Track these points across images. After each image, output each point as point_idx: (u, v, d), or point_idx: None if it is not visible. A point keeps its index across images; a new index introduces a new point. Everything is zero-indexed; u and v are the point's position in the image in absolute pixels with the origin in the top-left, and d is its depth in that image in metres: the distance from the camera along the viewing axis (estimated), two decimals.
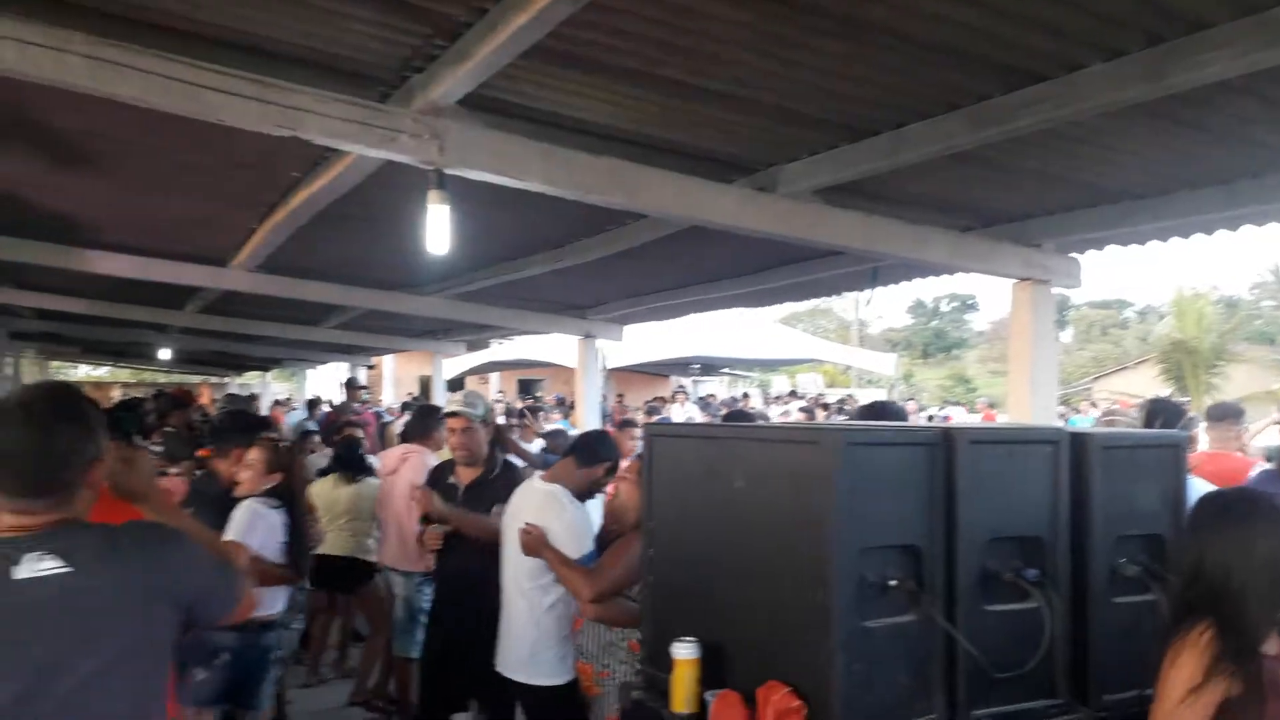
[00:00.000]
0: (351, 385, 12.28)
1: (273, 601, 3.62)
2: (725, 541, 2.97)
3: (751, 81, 3.12)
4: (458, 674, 3.89)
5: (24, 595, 1.64)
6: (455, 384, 19.51)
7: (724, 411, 10.50)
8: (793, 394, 22.25)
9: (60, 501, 1.73)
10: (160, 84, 2.76)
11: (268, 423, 4.81)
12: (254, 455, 3.67)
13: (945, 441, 2.05)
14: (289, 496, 3.69)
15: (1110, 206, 4.35)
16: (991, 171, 3.94)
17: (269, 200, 4.90)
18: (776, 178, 4.01)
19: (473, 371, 24.61)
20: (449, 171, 3.32)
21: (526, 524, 3.41)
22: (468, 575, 3.84)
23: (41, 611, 1.65)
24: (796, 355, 21.72)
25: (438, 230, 3.46)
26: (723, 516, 2.98)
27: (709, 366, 23.02)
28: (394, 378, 23.33)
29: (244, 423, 4.28)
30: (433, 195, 3.35)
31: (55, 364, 21.78)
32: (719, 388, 25.81)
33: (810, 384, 28.12)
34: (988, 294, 56.04)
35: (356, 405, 11.13)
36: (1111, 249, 4.95)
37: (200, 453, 4.56)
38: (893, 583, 1.97)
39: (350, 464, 5.60)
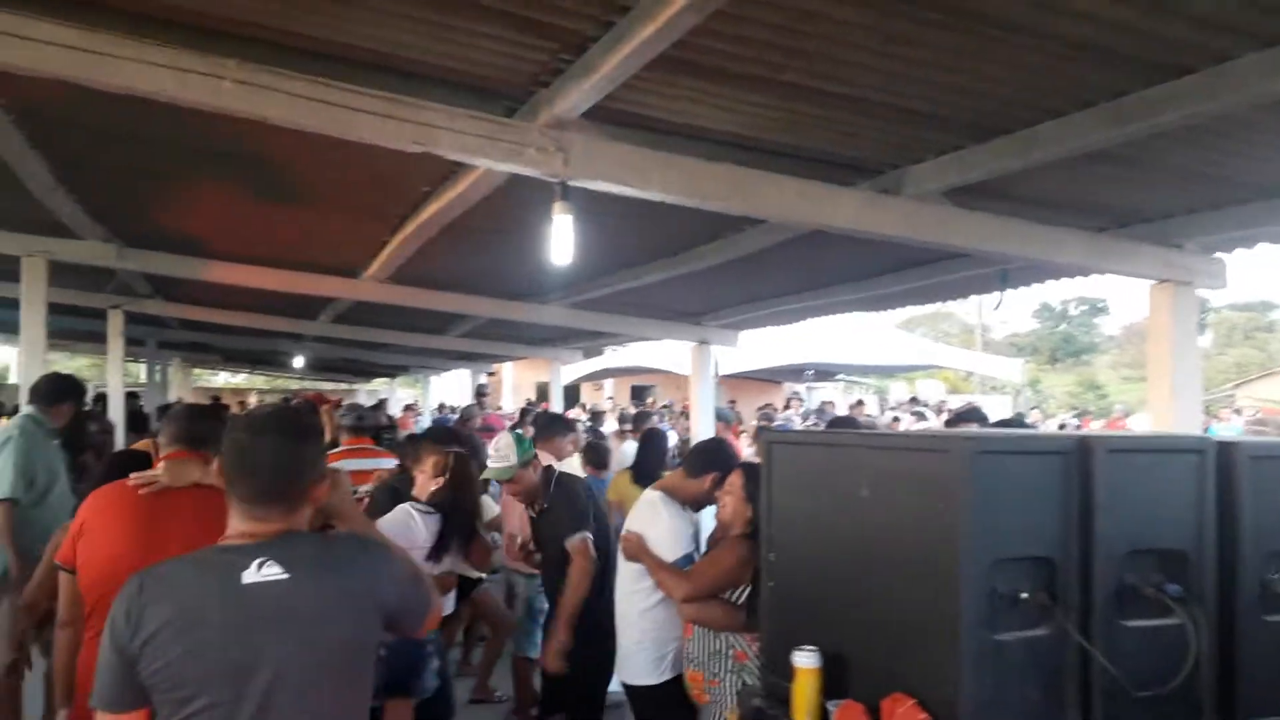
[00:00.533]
0: (480, 393, 12.74)
1: None
2: (849, 550, 2.94)
3: (876, 84, 3.09)
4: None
5: (250, 598, 1.78)
6: (571, 390, 19.82)
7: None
8: (913, 400, 21.67)
9: (289, 511, 1.88)
10: (306, 105, 2.92)
11: (458, 436, 5.01)
12: (425, 463, 3.81)
13: (1081, 450, 1.99)
14: (449, 504, 3.76)
15: (1261, 203, 4.12)
16: (1129, 169, 3.78)
17: (400, 214, 5.11)
18: (901, 180, 3.95)
19: (588, 378, 24.95)
20: (572, 183, 3.40)
21: (627, 530, 3.59)
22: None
23: (265, 613, 1.78)
24: (916, 361, 21.18)
25: (561, 241, 3.54)
26: (846, 525, 2.96)
27: (824, 372, 22.69)
28: (513, 384, 23.86)
29: (435, 433, 4.52)
30: (557, 207, 3.43)
31: (198, 371, 23.09)
32: (835, 394, 25.42)
33: (931, 391, 27.36)
34: (1120, 296, 53.49)
35: (482, 411, 11.47)
36: (1262, 248, 4.67)
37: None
38: (1024, 595, 1.92)
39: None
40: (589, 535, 4.08)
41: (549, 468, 4.27)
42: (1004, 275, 5.56)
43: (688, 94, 3.23)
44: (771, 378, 21.79)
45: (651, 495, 3.66)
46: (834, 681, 2.81)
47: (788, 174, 3.77)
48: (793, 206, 3.84)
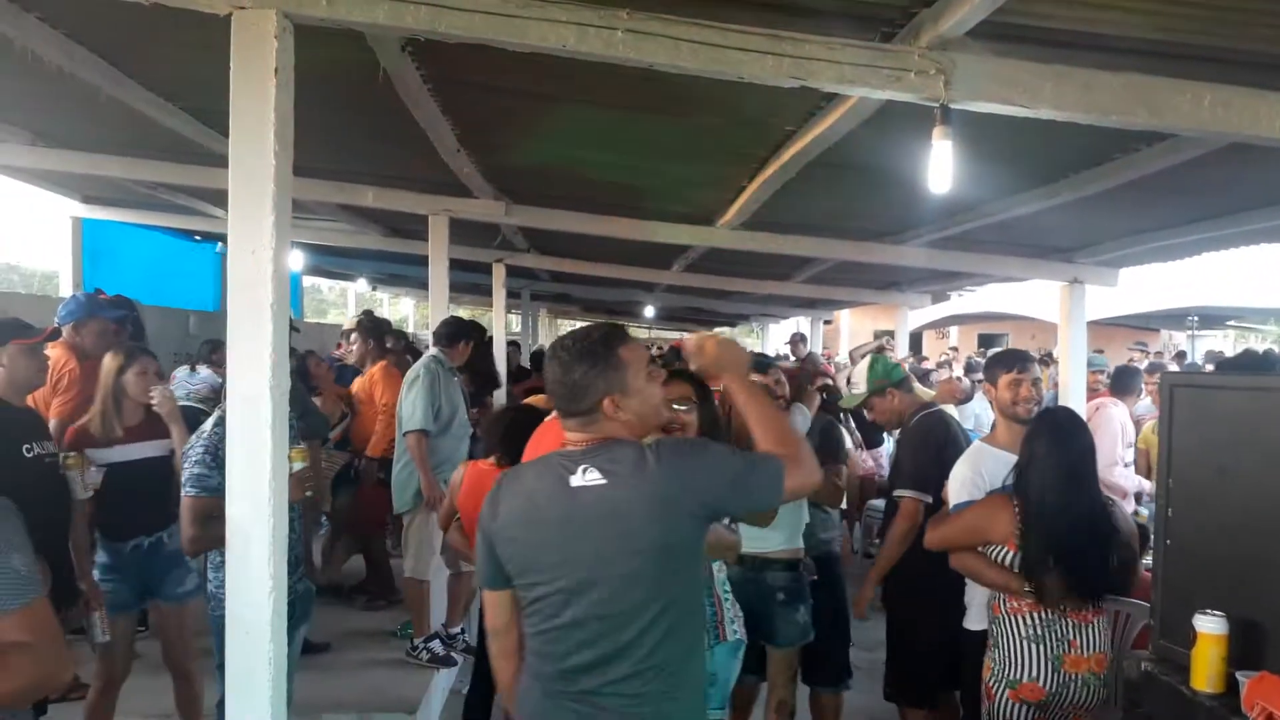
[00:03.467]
0: (797, 341, 12.88)
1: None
2: (1272, 506, 2.61)
3: None
4: None
5: (576, 500, 1.99)
6: (914, 338, 19.19)
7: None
8: None
9: (587, 423, 2.06)
10: (689, 49, 3.01)
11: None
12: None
13: None
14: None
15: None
16: None
17: (761, 156, 5.16)
18: None
19: (930, 325, 24.02)
20: (953, 106, 3.24)
21: None
22: None
23: (588, 515, 1.99)
24: None
25: (940, 168, 3.39)
26: (1269, 478, 2.62)
27: (1209, 318, 20.07)
28: (849, 332, 23.56)
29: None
30: (937, 132, 3.27)
31: (561, 321, 25.14)
32: (1223, 344, 22.41)
33: None
34: None
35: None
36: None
37: None
38: None
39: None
40: (915, 495, 3.98)
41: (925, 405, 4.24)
42: None
43: None
44: (1145, 324, 19.61)
45: None
46: (1245, 650, 2.52)
47: (1206, 80, 3.32)
48: (1209, 117, 3.36)
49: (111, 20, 3.76)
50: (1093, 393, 7.10)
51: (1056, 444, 3.17)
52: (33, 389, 3.69)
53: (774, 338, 20.44)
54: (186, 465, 3.32)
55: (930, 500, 3.95)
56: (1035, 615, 3.12)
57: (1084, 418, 6.51)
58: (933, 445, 4.11)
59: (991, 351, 4.87)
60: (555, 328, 23.62)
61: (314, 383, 7.10)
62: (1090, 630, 3.12)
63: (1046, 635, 3.09)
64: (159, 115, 5.04)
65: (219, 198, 3.09)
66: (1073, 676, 3.07)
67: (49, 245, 10.04)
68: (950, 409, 5.52)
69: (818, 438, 4.15)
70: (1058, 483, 3.11)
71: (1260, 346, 20.21)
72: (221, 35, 2.80)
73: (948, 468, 3.75)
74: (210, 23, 2.82)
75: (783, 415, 2.32)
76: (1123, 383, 7.00)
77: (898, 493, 4.12)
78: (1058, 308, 7.51)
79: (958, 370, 10.54)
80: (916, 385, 6.14)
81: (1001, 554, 3.20)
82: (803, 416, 4.26)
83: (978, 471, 3.55)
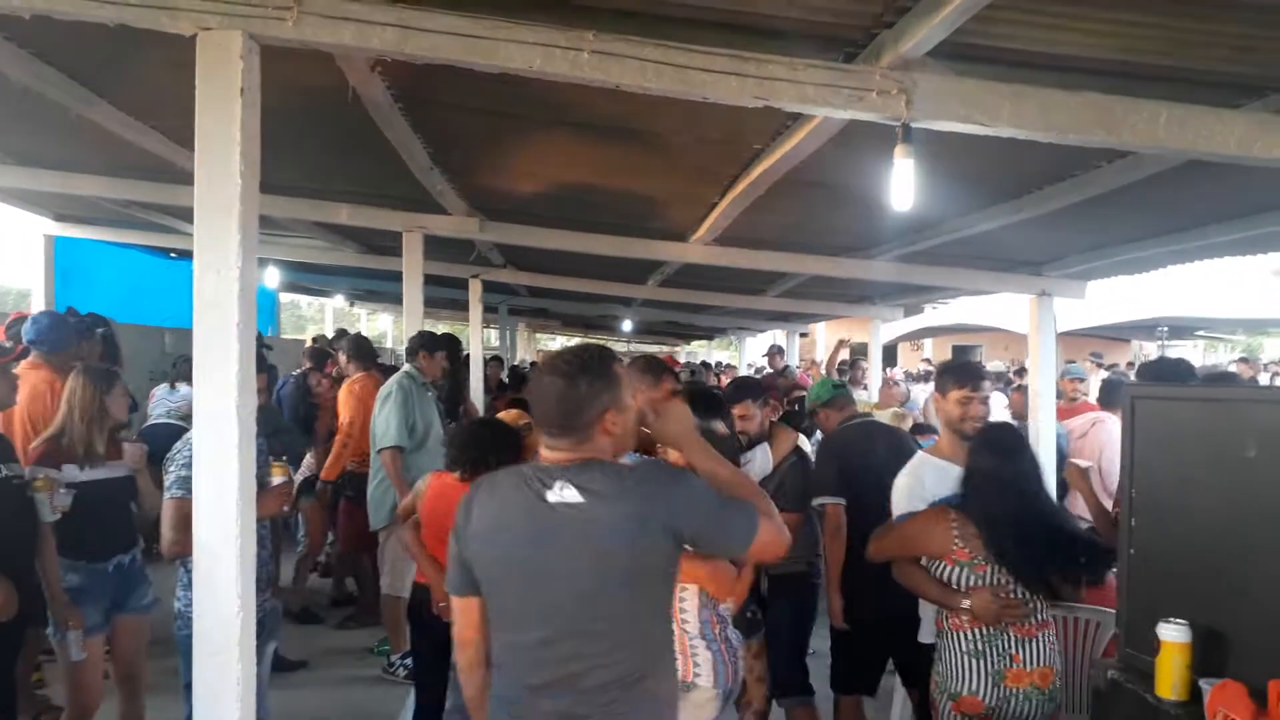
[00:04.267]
0: (773, 353, 12.98)
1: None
2: (1232, 516, 2.66)
3: None
4: None
5: (553, 516, 2.00)
6: (888, 350, 19.34)
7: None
8: None
9: (580, 441, 2.05)
10: (654, 69, 3.05)
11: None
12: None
13: None
14: None
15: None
16: None
17: (731, 173, 5.21)
18: None
19: (905, 337, 24.19)
20: (915, 125, 3.29)
21: None
22: None
23: (564, 532, 1.99)
24: None
25: (902, 185, 3.44)
26: (1229, 488, 2.67)
27: (1179, 329, 20.34)
28: (825, 344, 23.67)
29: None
30: (899, 150, 3.33)
31: (539, 336, 25.14)
32: (1192, 353, 22.71)
33: None
34: None
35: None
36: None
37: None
38: None
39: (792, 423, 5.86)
40: (830, 500, 4.29)
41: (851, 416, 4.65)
42: None
43: (1045, 20, 2.99)
44: (1117, 335, 19.86)
45: None
46: (1208, 658, 2.56)
47: (1161, 99, 3.40)
48: (1165, 134, 3.44)
49: (80, 40, 3.75)
50: (1073, 402, 7.14)
51: (998, 459, 3.20)
52: (2, 410, 3.67)
53: (750, 350, 20.52)
54: (172, 469, 3.34)
55: (844, 501, 4.27)
56: (976, 630, 3.11)
57: (1068, 429, 6.60)
58: (838, 454, 4.45)
59: (942, 363, 4.90)
60: (534, 342, 23.62)
61: (315, 400, 7.08)
62: (1034, 644, 3.11)
63: (988, 650, 3.09)
64: (130, 134, 5.03)
65: (191, 215, 3.09)
66: (1014, 691, 3.06)
67: (22, 263, 9.93)
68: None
69: (775, 483, 4.10)
70: (1004, 498, 3.14)
71: (1229, 356, 20.50)
72: (191, 54, 2.81)
73: (873, 472, 4.02)
74: (178, 42, 2.84)
75: (750, 483, 2.32)
76: (1112, 396, 6.92)
77: (816, 502, 4.33)
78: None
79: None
80: (861, 394, 6.33)
81: (940, 569, 3.20)
82: (763, 456, 4.21)
83: (919, 481, 3.60)
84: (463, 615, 2.19)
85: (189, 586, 3.09)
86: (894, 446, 4.37)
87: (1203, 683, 2.46)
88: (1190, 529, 2.79)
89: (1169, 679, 2.59)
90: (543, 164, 5.57)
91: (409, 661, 5.14)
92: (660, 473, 2.12)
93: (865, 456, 4.32)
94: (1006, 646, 3.09)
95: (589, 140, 4.88)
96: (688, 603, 2.84)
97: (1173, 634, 2.61)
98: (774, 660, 4.12)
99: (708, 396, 3.42)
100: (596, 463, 2.06)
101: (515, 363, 14.92)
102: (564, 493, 1.99)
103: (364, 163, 5.75)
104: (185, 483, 3.21)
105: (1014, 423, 5.70)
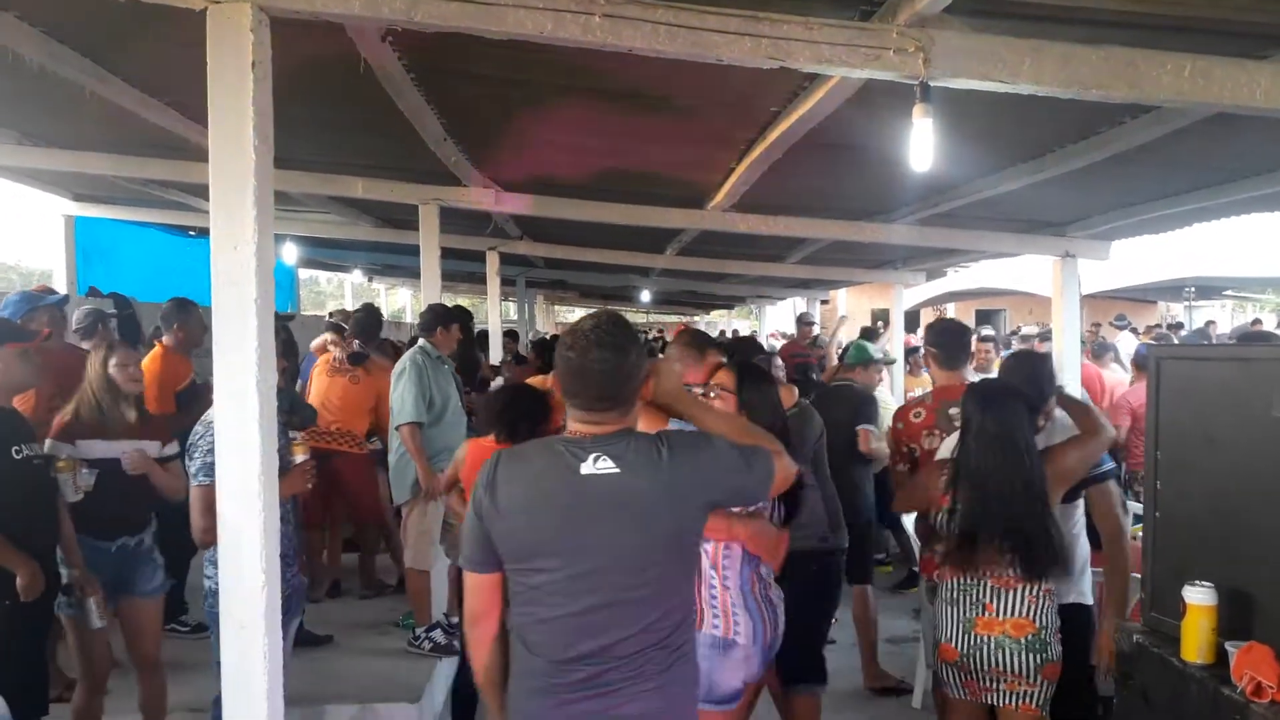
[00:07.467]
0: (801, 321, 12.79)
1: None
2: (1258, 477, 2.62)
3: None
4: None
5: (587, 487, 2.00)
6: (911, 316, 19.20)
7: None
8: None
9: (622, 415, 2.07)
10: (667, 31, 3.00)
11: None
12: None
13: None
14: None
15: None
16: None
17: (748, 137, 5.15)
18: None
19: (928, 303, 24.02)
20: (933, 83, 3.24)
21: None
22: None
23: (599, 502, 2.00)
24: None
25: (921, 146, 3.39)
26: (1256, 449, 2.64)
27: (1206, 289, 20.06)
28: (846, 311, 23.53)
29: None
30: (917, 110, 3.28)
31: (558, 308, 25.14)
32: (1220, 314, 22.41)
33: None
34: None
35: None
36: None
37: None
38: None
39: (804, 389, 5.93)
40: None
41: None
42: None
43: None
44: (1143, 297, 19.62)
45: None
46: (1233, 621, 2.54)
47: (1184, 51, 3.32)
48: (1189, 87, 3.36)
49: (90, 17, 3.76)
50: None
51: (983, 410, 3.22)
52: (23, 391, 3.70)
53: (770, 319, 20.45)
54: (196, 456, 3.34)
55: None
56: (955, 580, 3.19)
57: (1098, 391, 6.55)
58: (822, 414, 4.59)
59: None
60: (552, 314, 23.63)
61: None
62: (1011, 595, 3.11)
63: (962, 599, 3.16)
64: (144, 111, 5.02)
65: (207, 192, 3.08)
66: (985, 639, 3.08)
67: (44, 243, 10.00)
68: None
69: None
70: (987, 449, 3.16)
71: (1256, 316, 20.21)
72: (202, 29, 2.80)
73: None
74: (189, 17, 2.82)
75: (747, 423, 2.41)
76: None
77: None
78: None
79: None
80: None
81: (934, 516, 3.34)
82: None
83: None
84: (481, 591, 2.16)
85: (216, 563, 3.12)
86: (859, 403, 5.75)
87: (1228, 645, 2.45)
88: (1216, 491, 2.76)
89: (1194, 642, 2.58)
90: (557, 133, 5.52)
91: (435, 634, 5.19)
92: (690, 442, 2.13)
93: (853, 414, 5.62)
94: (980, 595, 3.14)
95: (602, 108, 4.83)
96: (730, 561, 2.87)
97: (1198, 597, 2.59)
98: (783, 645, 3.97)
99: (754, 369, 3.44)
100: (628, 432, 2.08)
101: (536, 337, 14.90)
102: (598, 464, 2.00)
103: (378, 136, 5.72)
104: (211, 469, 3.21)
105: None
